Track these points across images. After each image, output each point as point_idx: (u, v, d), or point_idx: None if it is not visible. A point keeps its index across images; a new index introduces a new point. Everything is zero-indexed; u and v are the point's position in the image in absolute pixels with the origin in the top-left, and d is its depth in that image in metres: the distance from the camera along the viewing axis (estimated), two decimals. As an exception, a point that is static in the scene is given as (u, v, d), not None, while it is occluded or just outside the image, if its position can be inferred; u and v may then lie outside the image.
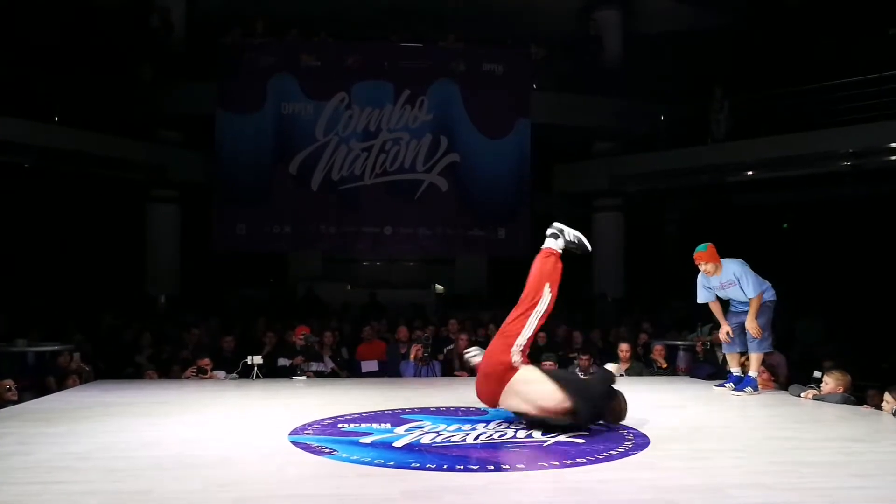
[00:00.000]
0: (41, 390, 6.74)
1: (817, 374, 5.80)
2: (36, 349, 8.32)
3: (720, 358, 7.81)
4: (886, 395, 5.09)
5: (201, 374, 7.05)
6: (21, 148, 11.97)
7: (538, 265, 4.56)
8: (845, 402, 5.45)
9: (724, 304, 6.32)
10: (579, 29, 15.07)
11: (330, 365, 8.03)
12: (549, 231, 4.74)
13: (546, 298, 4.42)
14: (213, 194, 13.49)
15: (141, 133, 13.67)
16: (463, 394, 5.65)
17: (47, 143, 12.15)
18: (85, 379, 7.27)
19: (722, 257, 6.07)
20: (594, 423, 4.30)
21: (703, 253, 6.03)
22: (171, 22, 13.64)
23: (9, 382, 5.67)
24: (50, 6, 13.03)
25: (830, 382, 5.59)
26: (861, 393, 6.09)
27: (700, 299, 6.31)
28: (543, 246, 4.66)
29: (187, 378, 7.12)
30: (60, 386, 6.85)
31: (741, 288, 6.02)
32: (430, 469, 3.45)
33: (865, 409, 5.36)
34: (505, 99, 13.98)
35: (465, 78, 13.89)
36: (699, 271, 6.17)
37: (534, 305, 4.39)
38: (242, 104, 13.49)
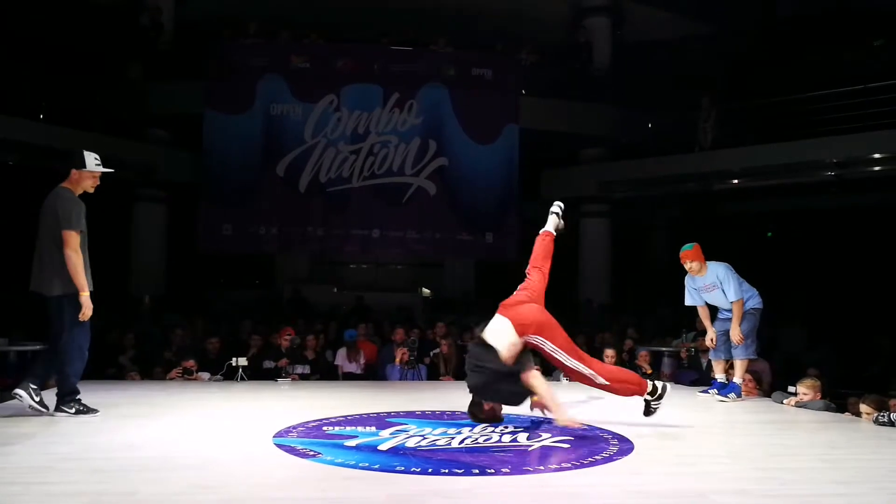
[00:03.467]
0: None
1: (792, 388, 5.85)
2: (17, 348, 8.24)
3: (704, 364, 7.87)
4: (863, 406, 5.15)
5: (186, 375, 7.01)
6: (6, 145, 11.86)
7: (546, 245, 5.18)
8: (827, 409, 5.51)
9: (713, 310, 6.36)
10: (569, 36, 15.15)
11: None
12: (555, 209, 5.37)
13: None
14: (199, 194, 13.42)
15: (129, 132, 13.57)
16: (448, 397, 5.66)
17: (33, 141, 12.05)
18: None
19: (709, 260, 6.12)
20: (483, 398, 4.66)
21: (688, 251, 6.08)
22: (161, 22, 13.58)
23: None
24: (39, 3, 12.93)
25: (809, 392, 5.64)
26: (842, 401, 6.15)
27: (687, 301, 6.35)
28: (546, 228, 5.30)
29: (172, 379, 7.08)
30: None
31: (723, 292, 6.06)
32: (415, 473, 3.46)
33: (846, 416, 5.41)
34: (494, 104, 13.99)
35: (454, 82, 13.90)
36: (686, 274, 6.21)
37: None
38: (231, 104, 13.43)
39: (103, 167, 5.00)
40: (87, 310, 4.80)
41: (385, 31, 14.14)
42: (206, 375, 7.25)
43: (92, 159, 4.93)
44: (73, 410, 4.79)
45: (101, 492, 3.05)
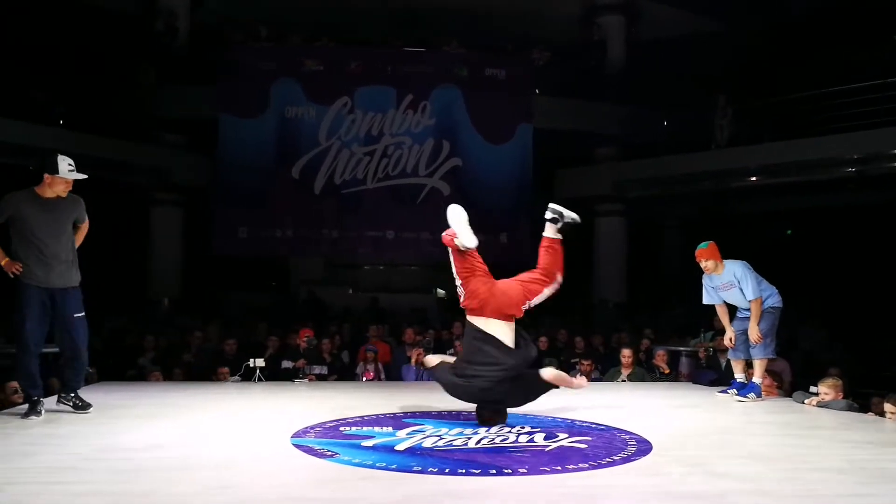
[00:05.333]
0: (45, 392, 6.72)
1: (813, 388, 5.77)
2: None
3: (723, 364, 7.79)
4: (887, 405, 5.07)
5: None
6: (25, 150, 12.00)
7: (554, 252, 5.00)
8: (849, 409, 5.43)
9: (732, 308, 6.28)
10: (582, 34, 15.10)
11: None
12: (548, 215, 5.11)
13: (557, 284, 4.89)
14: (214, 197, 13.50)
15: (145, 136, 13.69)
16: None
17: (51, 146, 12.16)
18: (88, 381, 7.26)
19: (726, 259, 6.05)
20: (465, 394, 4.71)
21: (703, 250, 6.00)
22: (176, 26, 13.68)
23: (16, 384, 5.69)
24: (54, 9, 13.08)
25: (830, 392, 5.56)
26: (864, 400, 6.07)
27: (705, 300, 6.26)
28: (545, 233, 5.13)
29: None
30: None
31: (741, 290, 5.98)
32: (431, 473, 3.45)
33: (869, 416, 5.34)
34: (507, 104, 13.98)
35: (467, 83, 13.90)
36: (702, 272, 6.14)
37: (549, 283, 4.86)
38: (246, 108, 13.51)
39: (77, 172, 4.79)
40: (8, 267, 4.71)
41: (397, 32, 14.17)
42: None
43: (66, 165, 4.76)
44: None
45: (119, 492, 3.08)
